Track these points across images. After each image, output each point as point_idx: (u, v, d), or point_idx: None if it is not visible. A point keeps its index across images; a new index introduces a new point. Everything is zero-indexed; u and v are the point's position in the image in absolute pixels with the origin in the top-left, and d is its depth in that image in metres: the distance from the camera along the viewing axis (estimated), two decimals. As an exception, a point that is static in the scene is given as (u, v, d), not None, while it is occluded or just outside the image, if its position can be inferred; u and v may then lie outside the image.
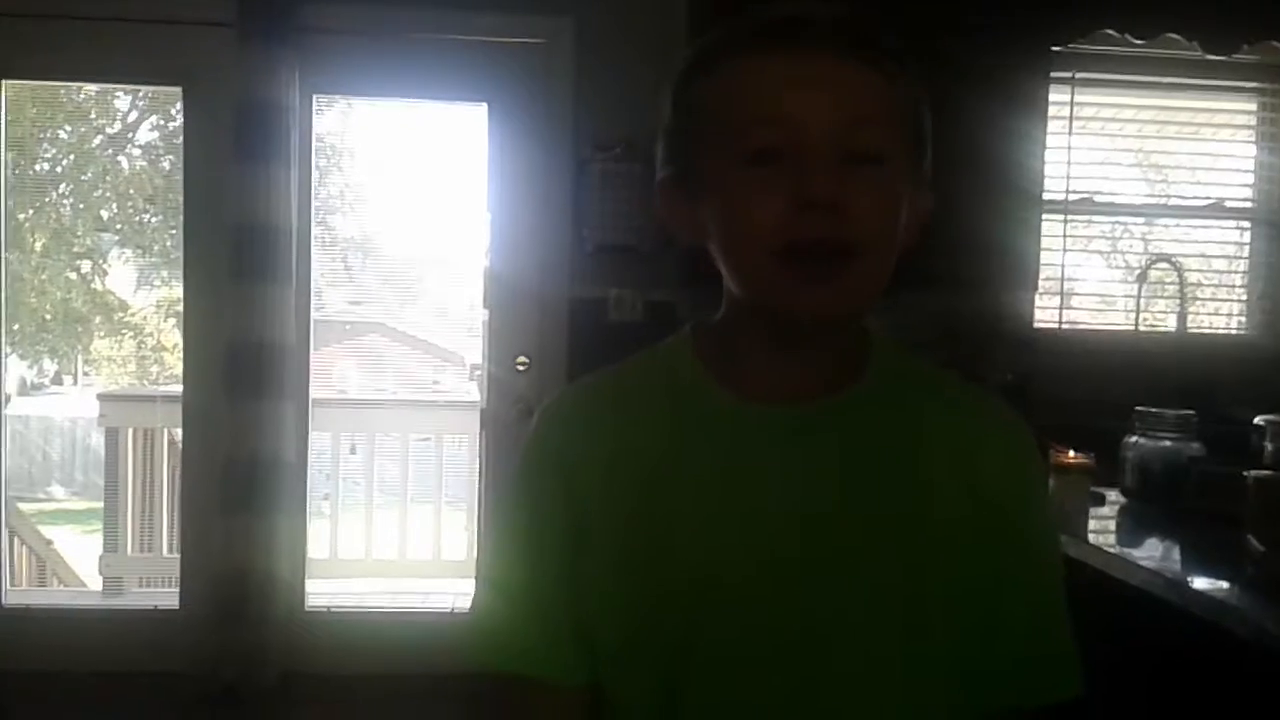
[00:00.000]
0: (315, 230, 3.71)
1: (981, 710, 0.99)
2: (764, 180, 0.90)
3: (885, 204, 0.92)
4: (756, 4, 0.95)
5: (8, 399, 6.84)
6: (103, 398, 5.26)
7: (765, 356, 0.99)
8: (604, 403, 1.05)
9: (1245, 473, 1.89)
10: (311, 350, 3.71)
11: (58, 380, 11.75)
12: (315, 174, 3.65)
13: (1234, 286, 4.10)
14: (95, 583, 5.12)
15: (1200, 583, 1.74)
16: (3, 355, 3.58)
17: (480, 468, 3.87)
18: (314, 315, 3.74)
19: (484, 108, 3.66)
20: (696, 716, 0.97)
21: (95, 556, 5.03)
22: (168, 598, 3.89)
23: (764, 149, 0.90)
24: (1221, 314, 4.15)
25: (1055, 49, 3.52)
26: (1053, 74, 3.58)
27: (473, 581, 3.61)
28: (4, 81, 3.54)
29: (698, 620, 0.95)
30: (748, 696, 0.96)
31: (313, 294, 3.72)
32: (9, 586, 3.86)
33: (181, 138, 3.68)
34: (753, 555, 0.95)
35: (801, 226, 0.89)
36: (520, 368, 3.61)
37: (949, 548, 0.96)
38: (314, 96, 3.61)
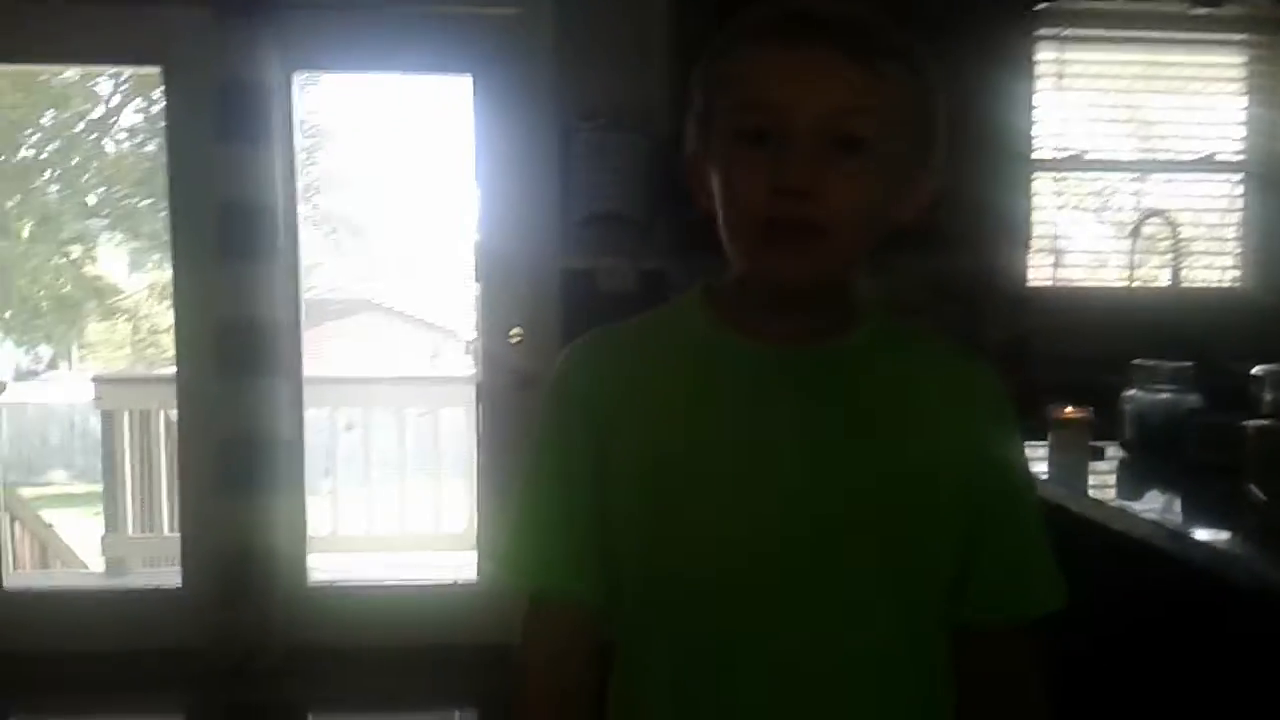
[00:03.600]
0: (304, 209, 3.69)
1: (976, 625, 1.11)
2: (751, 160, 0.99)
3: (858, 190, 0.99)
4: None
5: (3, 386, 6.83)
6: (98, 380, 5.25)
7: (765, 310, 1.08)
8: (624, 344, 1.15)
9: (1244, 423, 1.90)
10: (303, 328, 3.69)
11: (53, 365, 11.74)
12: (302, 153, 3.63)
13: (1227, 240, 4.10)
14: (98, 565, 5.13)
15: (1202, 533, 1.75)
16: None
17: (477, 440, 3.86)
18: (305, 294, 3.72)
19: (468, 79, 3.63)
20: (713, 641, 1.04)
21: (97, 539, 5.04)
22: (170, 577, 3.90)
23: (753, 130, 0.99)
24: (1215, 268, 4.14)
25: (1042, 6, 3.50)
26: (1040, 31, 3.56)
27: (474, 553, 3.62)
28: (-16, 65, 3.50)
29: (706, 534, 1.04)
30: (758, 614, 1.04)
31: (304, 272, 3.70)
32: (11, 570, 3.86)
33: (165, 121, 3.65)
34: (753, 476, 1.04)
35: (777, 207, 0.98)
36: (514, 340, 3.61)
37: (935, 473, 1.06)
38: (295, 74, 3.58)
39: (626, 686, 1.10)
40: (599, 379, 1.11)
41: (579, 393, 1.11)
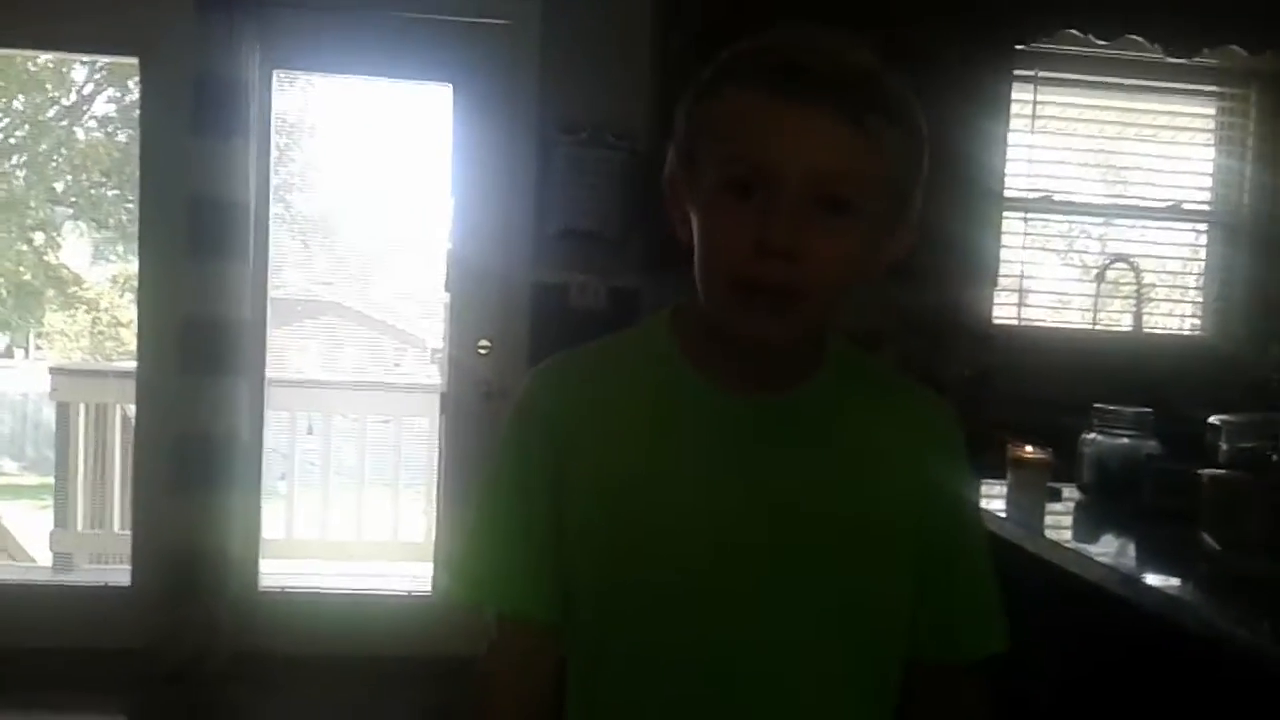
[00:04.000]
0: (275, 208, 3.66)
1: (922, 661, 1.12)
2: (735, 211, 0.97)
3: (844, 253, 0.98)
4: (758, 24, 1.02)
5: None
6: (55, 371, 5.18)
7: (727, 350, 1.07)
8: (588, 370, 1.14)
9: (1200, 471, 1.92)
10: (269, 329, 3.66)
11: (9, 354, 11.57)
12: (275, 151, 3.61)
13: (1189, 288, 4.16)
14: (46, 558, 5.04)
15: (1154, 579, 1.76)
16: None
17: (440, 450, 3.84)
18: (271, 293, 3.70)
19: (449, 89, 3.63)
20: (664, 662, 1.05)
21: (45, 532, 4.96)
22: (119, 575, 3.85)
23: (739, 182, 0.97)
24: (1176, 314, 4.20)
25: (1019, 47, 3.54)
26: (1016, 72, 3.60)
27: (430, 565, 3.59)
28: (-42, 48, 3.46)
29: (654, 577, 1.05)
30: (710, 646, 1.05)
31: (271, 272, 3.68)
32: (-46, 561, 3.80)
33: (139, 111, 3.62)
34: (704, 524, 1.04)
35: (757, 267, 0.96)
36: (482, 351, 3.60)
37: (891, 518, 1.08)
38: (274, 72, 3.57)
39: (578, 703, 1.11)
40: (561, 403, 1.11)
41: (541, 416, 1.11)
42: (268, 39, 3.42)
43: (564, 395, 1.12)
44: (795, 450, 1.06)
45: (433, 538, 3.89)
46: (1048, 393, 3.20)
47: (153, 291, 3.58)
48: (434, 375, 3.76)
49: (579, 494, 1.07)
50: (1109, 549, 2.03)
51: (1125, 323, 3.97)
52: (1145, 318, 3.88)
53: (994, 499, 2.20)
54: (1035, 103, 3.82)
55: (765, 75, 0.97)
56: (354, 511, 5.09)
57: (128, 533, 3.81)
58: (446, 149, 3.65)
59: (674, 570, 1.04)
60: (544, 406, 1.11)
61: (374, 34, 3.55)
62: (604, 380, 1.12)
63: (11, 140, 9.85)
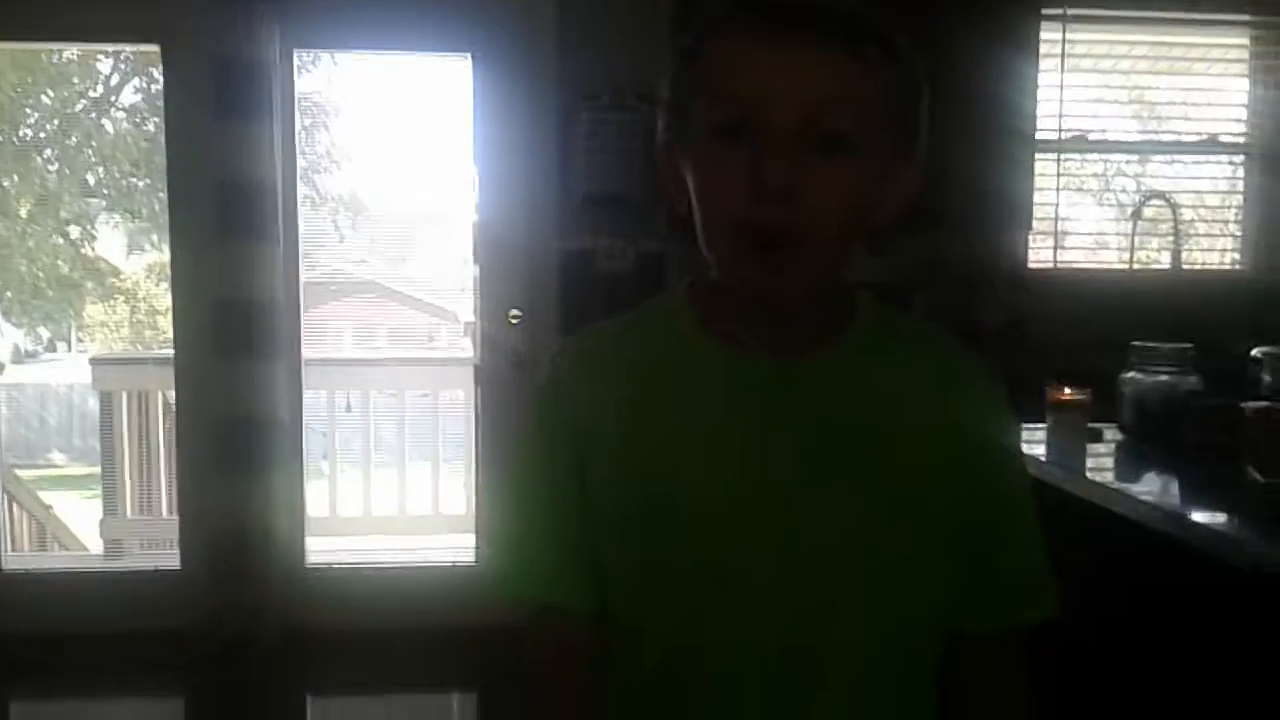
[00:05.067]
0: (304, 190, 3.67)
1: (964, 631, 1.08)
2: (726, 156, 0.93)
3: (844, 191, 0.94)
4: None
5: (1, 366, 6.81)
6: (95, 362, 5.25)
7: (747, 315, 1.03)
8: (605, 349, 1.12)
9: (1243, 404, 1.89)
10: (302, 309, 3.68)
11: (51, 347, 11.73)
12: (301, 133, 3.60)
13: (1228, 222, 4.08)
14: (97, 546, 5.13)
15: (1199, 515, 1.74)
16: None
17: (475, 422, 3.85)
18: (305, 274, 3.71)
19: (468, 59, 3.61)
20: (698, 643, 1.03)
21: (96, 521, 5.04)
22: (169, 559, 3.91)
23: (727, 123, 0.93)
24: (1216, 250, 4.13)
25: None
26: (1044, 10, 3.53)
27: (472, 535, 3.60)
28: (-20, 43, 3.48)
29: (689, 549, 1.02)
30: (742, 623, 1.02)
31: (304, 253, 3.69)
32: (9, 551, 3.86)
33: (163, 99, 3.64)
34: (736, 493, 1.01)
35: (752, 210, 0.92)
36: (513, 321, 3.60)
37: (927, 484, 1.03)
38: (295, 51, 3.56)
39: (619, 683, 1.09)
40: (580, 386, 1.09)
41: (561, 401, 1.09)
42: (286, 19, 3.41)
43: (582, 377, 1.10)
44: (824, 414, 1.03)
45: (473, 509, 3.90)
46: (1086, 335, 3.15)
47: (185, 277, 3.60)
48: (468, 348, 3.76)
49: (605, 475, 1.05)
50: (1152, 487, 2.01)
51: (1164, 261, 3.90)
52: (1183, 254, 3.82)
53: (1034, 443, 2.18)
54: (1065, 41, 3.74)
55: (748, 21, 0.94)
56: (396, 486, 5.13)
57: (175, 517, 3.85)
58: (467, 120, 3.63)
59: (705, 544, 1.01)
60: (563, 391, 1.09)
61: (391, 8, 3.53)
62: (622, 358, 1.10)
63: (42, 135, 9.93)
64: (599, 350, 1.12)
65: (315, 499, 4.10)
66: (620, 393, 1.06)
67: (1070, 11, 3.71)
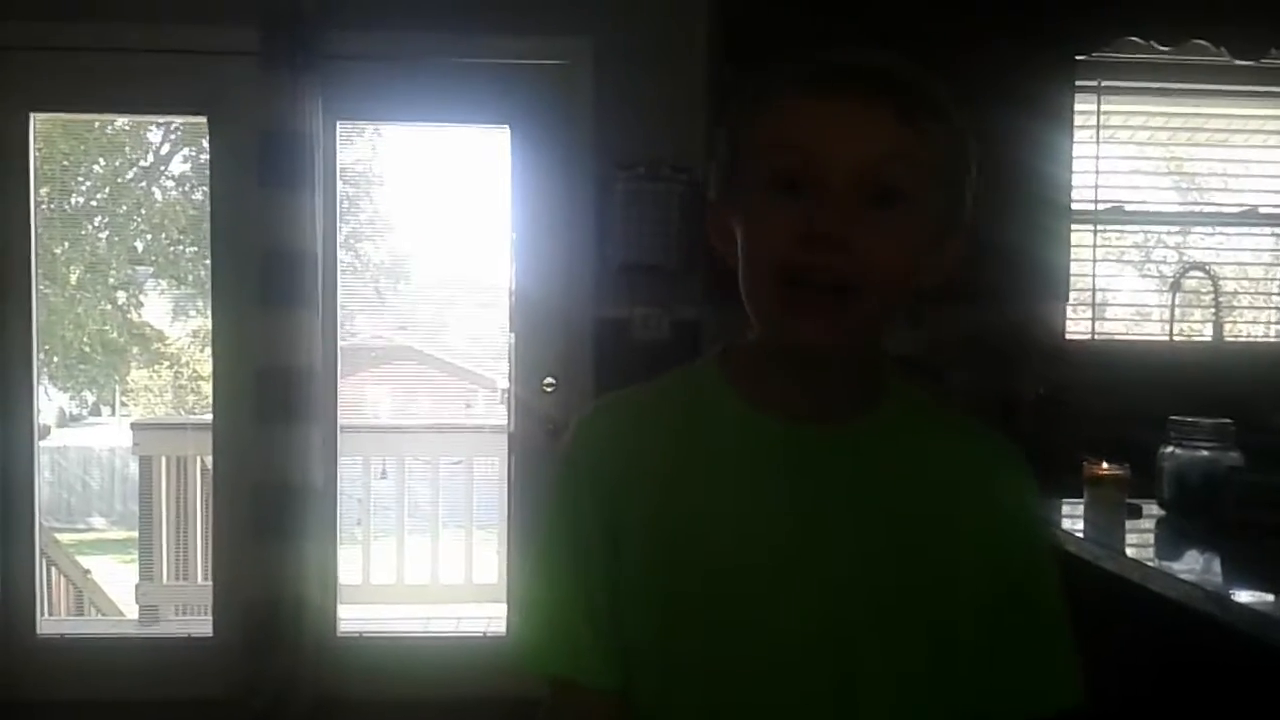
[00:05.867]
0: (346, 257, 3.71)
1: (994, 713, 1.06)
2: (781, 208, 0.95)
3: (895, 247, 0.95)
4: (790, 45, 1.01)
5: (47, 430, 6.90)
6: (136, 426, 5.30)
7: (783, 378, 1.03)
8: (634, 414, 1.11)
9: (1285, 482, 1.85)
10: (340, 375, 3.70)
11: (96, 411, 11.87)
12: (344, 202, 3.66)
13: (1271, 294, 4.04)
14: (133, 612, 5.14)
15: (1243, 595, 1.70)
16: (34, 386, 3.59)
17: (508, 491, 3.84)
18: (342, 341, 3.74)
19: (506, 130, 3.66)
20: (731, 709, 1.01)
21: (132, 586, 5.06)
22: (201, 625, 3.90)
23: (784, 175, 0.95)
24: (1260, 322, 4.08)
25: (1080, 58, 3.48)
26: (1078, 82, 3.54)
27: (504, 605, 3.56)
28: (32, 115, 3.57)
29: (719, 621, 1.00)
30: (769, 701, 1.00)
31: (344, 320, 3.73)
32: (45, 615, 3.87)
33: (208, 168, 3.71)
34: (767, 562, 1.00)
35: (805, 257, 0.93)
36: (547, 389, 3.60)
37: (954, 566, 1.03)
38: (337, 123, 3.62)
39: None
40: (607, 450, 1.07)
41: (587, 466, 1.07)
42: (329, 91, 3.48)
43: (609, 442, 1.08)
44: (857, 483, 1.02)
45: (505, 578, 3.88)
46: (1125, 408, 3.11)
47: (226, 343, 3.64)
48: (504, 415, 3.77)
49: (633, 541, 1.03)
50: (1193, 565, 1.97)
51: (1205, 333, 3.86)
52: (1225, 326, 3.77)
53: (1071, 519, 2.15)
54: (1100, 112, 3.74)
55: (811, 77, 0.97)
56: (429, 554, 5.12)
57: (210, 583, 3.86)
58: (506, 190, 3.67)
59: (736, 612, 1.00)
60: (590, 456, 1.07)
61: (432, 81, 3.59)
62: (651, 422, 1.08)
63: (93, 203, 10.14)
64: (628, 414, 1.11)
65: (348, 566, 4.10)
66: (648, 454, 1.05)
67: (1104, 83, 3.71)
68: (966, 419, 1.12)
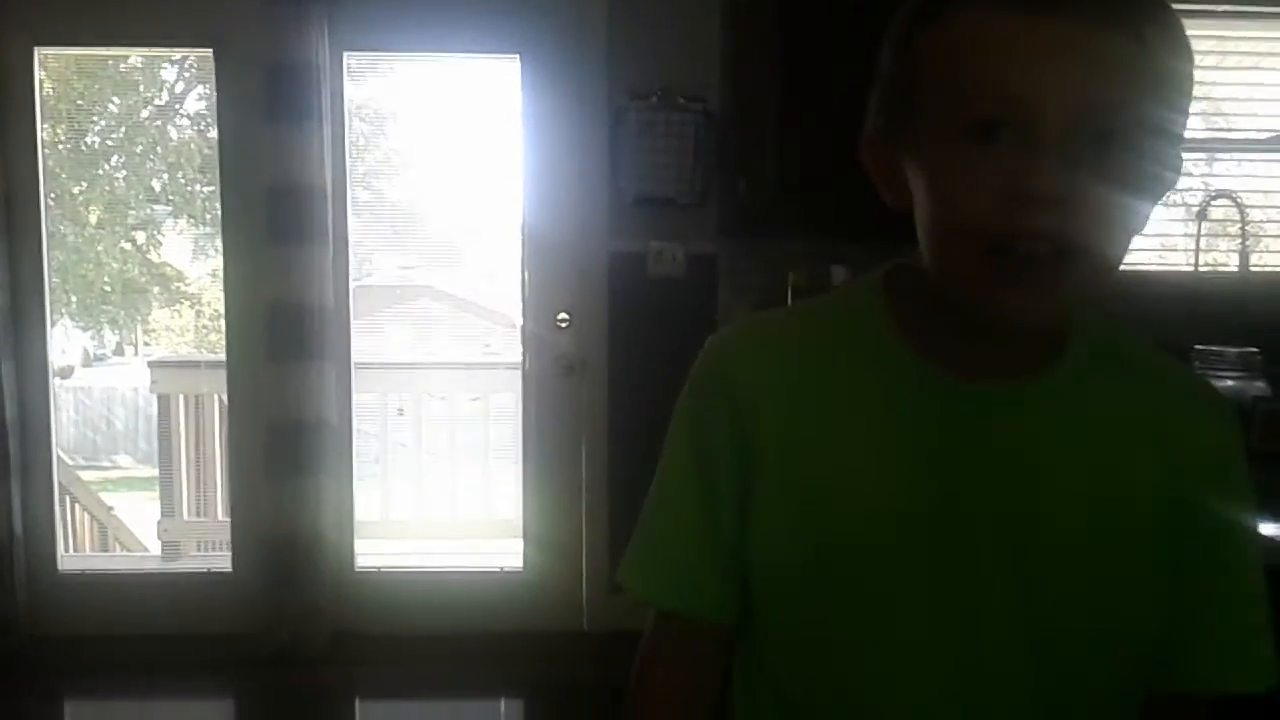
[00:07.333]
0: (365, 195, 3.67)
1: (1172, 691, 0.96)
2: (982, 160, 0.78)
3: (1122, 201, 0.79)
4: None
5: (71, 370, 6.94)
6: (154, 365, 5.32)
7: (956, 333, 0.90)
8: (783, 335, 0.98)
9: (1310, 411, 1.81)
10: (352, 313, 3.68)
11: (119, 351, 11.94)
12: (360, 139, 3.61)
13: (1299, 222, 3.95)
14: (156, 548, 5.19)
15: (1269, 528, 1.66)
16: (48, 324, 3.58)
17: (521, 426, 3.83)
18: (365, 279, 3.72)
19: (516, 60, 3.60)
20: (850, 665, 0.92)
21: (155, 522, 5.11)
22: (222, 561, 3.93)
23: (987, 121, 0.78)
24: (1287, 250, 4.00)
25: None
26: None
27: (520, 540, 3.55)
28: (36, 49, 3.53)
29: (855, 568, 0.90)
30: (904, 652, 0.91)
31: (364, 258, 3.69)
32: (67, 552, 3.91)
33: (216, 103, 3.67)
34: (926, 523, 0.89)
35: (1016, 221, 0.77)
36: (561, 324, 3.57)
37: (1140, 531, 0.91)
38: (345, 54, 3.57)
39: (747, 707, 1.00)
40: (747, 373, 0.94)
41: (722, 387, 0.95)
42: (336, 22, 3.43)
43: (750, 364, 0.95)
44: (1031, 449, 0.90)
45: (521, 514, 3.88)
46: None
47: (237, 281, 3.62)
48: (519, 352, 3.75)
49: (770, 482, 0.92)
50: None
51: (1232, 263, 3.78)
52: (1252, 256, 3.69)
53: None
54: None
55: None
56: (446, 490, 5.13)
57: (229, 519, 3.88)
58: (517, 123, 3.62)
59: (881, 582, 0.90)
60: (727, 376, 0.95)
61: (439, 10, 3.53)
62: (799, 348, 0.95)
63: (109, 142, 10.11)
64: (768, 336, 0.99)
65: (366, 502, 4.11)
66: (794, 389, 0.93)
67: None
68: (1164, 361, 1.00)
